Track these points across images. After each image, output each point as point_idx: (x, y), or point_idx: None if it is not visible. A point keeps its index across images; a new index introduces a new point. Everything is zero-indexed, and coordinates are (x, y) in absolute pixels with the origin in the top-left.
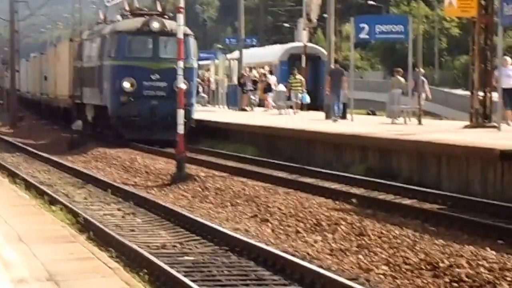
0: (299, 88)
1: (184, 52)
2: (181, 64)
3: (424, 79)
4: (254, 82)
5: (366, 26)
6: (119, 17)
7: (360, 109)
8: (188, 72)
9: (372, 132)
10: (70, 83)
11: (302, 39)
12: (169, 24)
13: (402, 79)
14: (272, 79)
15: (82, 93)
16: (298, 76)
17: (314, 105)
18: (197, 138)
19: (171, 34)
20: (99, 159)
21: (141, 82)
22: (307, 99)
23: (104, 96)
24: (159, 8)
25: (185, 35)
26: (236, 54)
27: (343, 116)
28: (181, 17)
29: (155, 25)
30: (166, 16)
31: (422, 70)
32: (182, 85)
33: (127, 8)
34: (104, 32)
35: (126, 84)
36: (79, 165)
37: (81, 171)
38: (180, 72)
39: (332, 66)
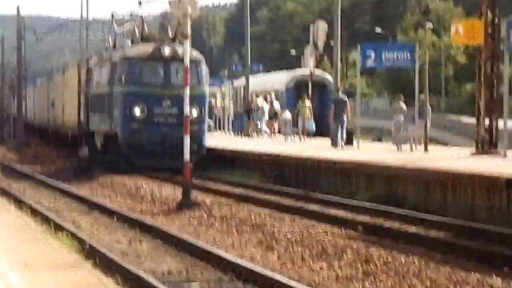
0: (307, 113)
1: (196, 78)
2: (187, 91)
3: (429, 107)
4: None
5: (372, 53)
6: (128, 43)
7: (366, 135)
8: (200, 99)
9: (378, 159)
10: (79, 109)
11: (308, 66)
12: (180, 50)
13: (403, 105)
14: (276, 106)
15: (91, 120)
16: (307, 102)
17: (320, 132)
18: (203, 164)
19: (183, 60)
20: (105, 185)
21: (152, 109)
22: (313, 127)
23: (114, 122)
24: (170, 34)
25: (197, 61)
26: (242, 80)
27: (348, 143)
28: (187, 44)
29: (167, 51)
30: (177, 42)
31: (423, 97)
32: (188, 112)
33: (137, 33)
34: (114, 58)
35: (137, 111)
36: (85, 191)
37: (87, 197)
38: (186, 99)
39: (342, 95)
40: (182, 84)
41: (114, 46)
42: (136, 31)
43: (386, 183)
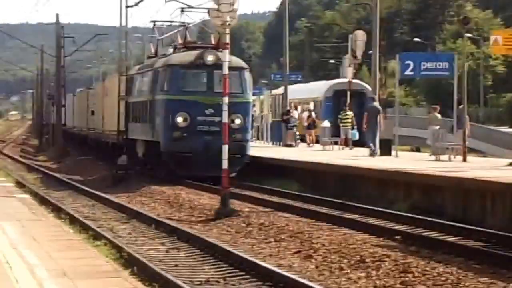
0: (349, 124)
1: (240, 86)
2: (226, 100)
3: (467, 116)
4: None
5: (411, 63)
6: (170, 50)
7: (404, 145)
8: (244, 107)
9: (417, 168)
10: (118, 118)
11: (347, 75)
12: (223, 57)
13: (439, 116)
14: (305, 116)
15: (132, 128)
16: (350, 112)
17: (362, 141)
18: (242, 173)
19: (228, 67)
20: (144, 194)
21: (195, 117)
22: (357, 136)
23: (156, 131)
24: (213, 41)
25: (241, 68)
26: (281, 89)
27: (387, 152)
28: (226, 53)
29: (210, 58)
30: (220, 49)
31: (464, 108)
32: (226, 120)
33: (180, 41)
34: (156, 65)
35: (180, 119)
36: (124, 200)
37: (125, 206)
38: (225, 107)
39: (375, 103)
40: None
41: (156, 53)
42: (179, 38)
43: (425, 193)
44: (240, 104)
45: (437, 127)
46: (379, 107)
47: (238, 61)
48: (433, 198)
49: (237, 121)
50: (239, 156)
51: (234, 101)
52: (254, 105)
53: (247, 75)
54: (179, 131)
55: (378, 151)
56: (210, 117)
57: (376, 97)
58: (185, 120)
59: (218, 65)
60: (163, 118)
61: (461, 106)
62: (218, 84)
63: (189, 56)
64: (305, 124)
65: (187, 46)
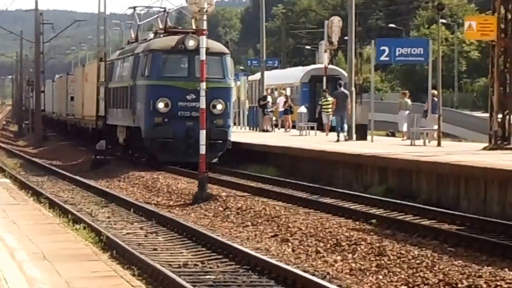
0: (330, 109)
1: (221, 72)
2: (203, 86)
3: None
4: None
5: (386, 49)
6: (151, 36)
7: (380, 130)
8: (225, 92)
9: (392, 153)
10: (97, 103)
11: (323, 61)
12: (206, 42)
13: (409, 101)
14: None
15: (112, 114)
16: (330, 98)
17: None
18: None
19: (207, 52)
20: (122, 178)
21: (176, 103)
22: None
23: (137, 117)
24: (194, 26)
25: (222, 53)
26: (257, 75)
27: (362, 137)
28: (204, 39)
29: (191, 43)
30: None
31: (435, 92)
32: (204, 105)
33: (160, 26)
34: (137, 51)
35: (161, 105)
36: (103, 184)
37: (104, 190)
38: (202, 93)
39: (342, 89)
40: (208, 77)
41: (136, 39)
42: (159, 23)
43: (400, 177)
44: (222, 90)
45: (407, 112)
46: (347, 92)
47: (219, 46)
48: (408, 183)
49: (219, 107)
50: (221, 141)
51: (216, 86)
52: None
53: (228, 60)
54: (160, 116)
55: (346, 135)
56: (192, 103)
57: (343, 83)
58: (166, 105)
59: (199, 50)
60: (144, 103)
61: (434, 91)
62: (200, 69)
63: (170, 41)
64: (282, 109)
65: (167, 31)
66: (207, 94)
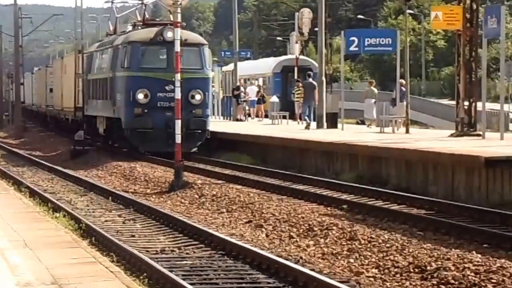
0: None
1: (199, 62)
2: (178, 77)
3: (405, 90)
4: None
5: (355, 39)
6: (130, 28)
7: (350, 118)
8: (204, 83)
9: (362, 140)
10: (75, 95)
11: (294, 52)
12: (184, 34)
13: (375, 90)
14: (253, 90)
15: (92, 105)
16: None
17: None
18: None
19: (186, 43)
20: (100, 168)
21: (155, 94)
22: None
23: (117, 108)
24: (172, 18)
25: (201, 44)
26: (231, 66)
27: (333, 125)
28: (178, 32)
29: (169, 34)
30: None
31: (403, 81)
32: (179, 96)
33: (138, 18)
34: (116, 42)
35: (140, 96)
36: (82, 173)
37: (83, 179)
38: (177, 84)
39: (310, 79)
40: (186, 68)
41: (115, 31)
42: (138, 16)
43: (370, 164)
44: (200, 80)
45: (373, 101)
46: (315, 83)
47: (197, 38)
48: (378, 169)
49: (197, 97)
50: (200, 131)
51: (194, 77)
52: None
53: (207, 51)
54: (140, 107)
55: (312, 123)
56: (171, 93)
57: (312, 73)
58: (145, 96)
59: (179, 41)
60: (124, 94)
61: (402, 80)
62: (180, 60)
63: (148, 33)
64: (254, 99)
65: (146, 23)
66: (186, 84)
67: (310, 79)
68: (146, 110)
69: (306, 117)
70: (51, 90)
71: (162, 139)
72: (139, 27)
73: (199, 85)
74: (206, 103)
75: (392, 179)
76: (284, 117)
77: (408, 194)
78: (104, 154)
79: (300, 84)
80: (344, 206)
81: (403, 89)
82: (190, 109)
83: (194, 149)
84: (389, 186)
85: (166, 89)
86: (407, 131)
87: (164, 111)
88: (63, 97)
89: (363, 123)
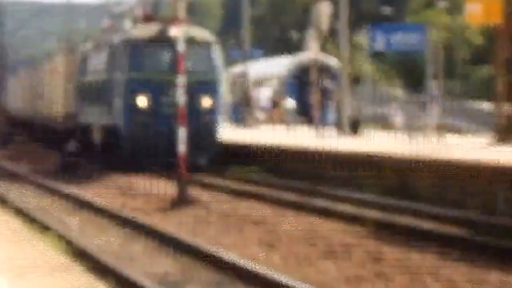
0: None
1: (208, 63)
2: (182, 78)
3: (437, 93)
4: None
5: (381, 36)
6: (128, 24)
7: (374, 124)
8: (213, 86)
9: (389, 149)
10: (70, 100)
11: (312, 50)
12: (191, 31)
13: (399, 92)
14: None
15: (86, 112)
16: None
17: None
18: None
19: (193, 42)
20: (95, 181)
21: (159, 98)
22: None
23: (115, 115)
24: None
25: (209, 43)
26: (240, 67)
27: (355, 132)
28: (181, 29)
29: (175, 31)
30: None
31: (434, 83)
32: (182, 102)
33: (140, 13)
34: (114, 41)
35: (141, 101)
36: (73, 188)
37: (75, 195)
38: (180, 88)
39: (326, 82)
40: (193, 69)
41: (113, 27)
42: (138, 11)
43: (398, 175)
44: (209, 83)
45: (399, 105)
46: (332, 85)
47: (205, 35)
48: (407, 181)
49: (206, 102)
50: (209, 141)
51: (202, 80)
52: None
53: (216, 50)
54: (142, 114)
55: (331, 130)
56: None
57: (328, 75)
58: (147, 101)
59: (185, 39)
60: (123, 100)
61: (433, 82)
62: (185, 61)
63: (151, 29)
64: (266, 103)
65: (147, 19)
66: (193, 88)
67: (326, 81)
68: (147, 117)
69: (322, 123)
70: (39, 94)
71: (166, 149)
72: (140, 23)
73: (208, 89)
74: (216, 109)
75: (424, 192)
76: (301, 123)
77: (441, 210)
78: (98, 166)
79: (316, 87)
80: (369, 224)
81: (434, 92)
82: (198, 116)
83: (204, 162)
84: (419, 201)
85: (171, 94)
86: (439, 138)
87: (168, 118)
88: (53, 103)
89: (388, 129)
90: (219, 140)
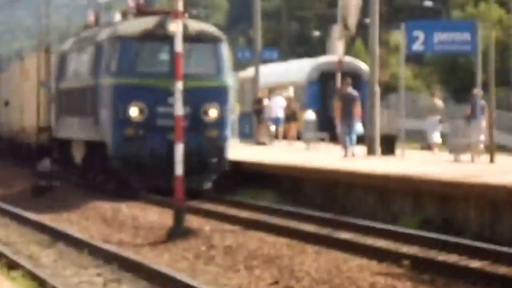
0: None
1: (215, 65)
2: (179, 85)
3: (482, 102)
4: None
5: (421, 34)
6: (118, 17)
7: (413, 142)
8: (221, 93)
9: (429, 173)
10: (45, 110)
11: (336, 52)
12: (194, 26)
13: (439, 103)
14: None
15: (65, 124)
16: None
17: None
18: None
19: (197, 39)
20: (73, 209)
21: (155, 108)
22: (360, 130)
23: (100, 128)
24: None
25: (217, 40)
26: (250, 71)
27: (390, 151)
28: (179, 24)
29: (174, 27)
30: (186, 15)
31: (479, 91)
32: (180, 112)
33: (130, 4)
34: (99, 37)
35: (134, 111)
36: (47, 218)
37: (49, 225)
38: (178, 94)
39: (349, 89)
40: (196, 73)
41: (97, 22)
42: (131, 1)
43: (440, 204)
44: (216, 90)
45: (437, 118)
46: (356, 94)
47: (212, 31)
48: (450, 212)
49: (212, 113)
50: (216, 160)
51: (208, 85)
52: None
53: (225, 49)
54: (134, 127)
55: (354, 149)
56: None
57: (350, 81)
58: (141, 112)
59: (186, 36)
60: (111, 110)
61: (478, 90)
62: (186, 62)
63: (145, 24)
64: (279, 115)
65: (141, 11)
66: (196, 96)
67: (350, 88)
68: (141, 131)
69: (346, 140)
70: (6, 103)
71: (164, 171)
72: (132, 16)
73: (215, 96)
74: (225, 122)
75: (470, 225)
76: (323, 140)
77: (493, 247)
78: (78, 191)
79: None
80: (405, 262)
81: (482, 102)
82: (201, 129)
83: (208, 185)
84: (466, 235)
85: (170, 103)
86: (491, 160)
87: (166, 132)
88: (24, 113)
89: (429, 148)
90: (227, 159)
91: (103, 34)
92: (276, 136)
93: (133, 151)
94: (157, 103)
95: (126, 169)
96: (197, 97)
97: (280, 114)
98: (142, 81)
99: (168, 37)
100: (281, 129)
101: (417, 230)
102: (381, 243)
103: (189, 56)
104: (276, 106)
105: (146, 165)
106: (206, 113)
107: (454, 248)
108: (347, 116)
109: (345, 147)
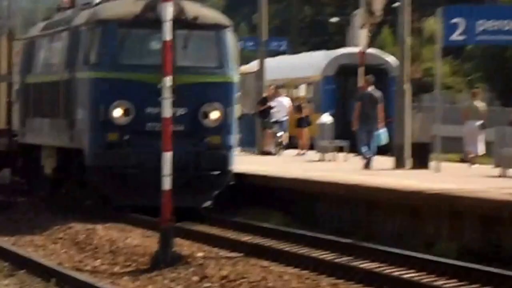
0: None
1: (218, 56)
2: (167, 81)
3: None
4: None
5: (461, 22)
6: None
7: (451, 152)
8: (224, 90)
9: (470, 189)
10: (5, 110)
11: (358, 43)
12: (190, 8)
13: (481, 105)
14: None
15: (33, 127)
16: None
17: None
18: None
19: (195, 25)
20: (38, 230)
21: (143, 109)
22: (383, 139)
23: (76, 132)
24: None
25: (220, 27)
26: (254, 65)
27: (422, 164)
28: (169, 7)
29: (167, 10)
30: None
31: None
32: (168, 114)
33: None
34: (76, 22)
35: (117, 112)
36: (6, 240)
37: (8, 250)
38: (167, 92)
39: (370, 89)
40: (193, 65)
41: (73, 3)
42: None
43: (484, 228)
44: (218, 86)
45: (478, 123)
46: (378, 94)
47: (214, 15)
48: (496, 237)
49: (213, 115)
50: (217, 172)
51: (208, 81)
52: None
53: (229, 38)
54: (117, 131)
55: (377, 158)
56: None
57: (373, 79)
58: (126, 113)
59: (181, 22)
60: (90, 110)
61: None
62: (182, 53)
63: (132, 6)
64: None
65: None
66: (193, 93)
67: (371, 88)
68: (126, 137)
69: (364, 150)
70: None
71: (153, 185)
72: None
73: (217, 94)
74: (228, 125)
75: None
76: (341, 149)
77: None
78: (46, 208)
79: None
80: None
81: None
82: (201, 135)
83: (208, 203)
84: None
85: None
86: None
87: (155, 138)
88: None
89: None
90: (231, 171)
91: (81, 18)
92: (280, 143)
93: (116, 160)
94: (146, 102)
95: (106, 183)
96: (195, 96)
97: (284, 117)
98: (127, 75)
99: (160, 22)
100: (285, 135)
101: (455, 259)
102: (411, 274)
103: (186, 46)
104: (281, 108)
105: (132, 177)
106: (206, 115)
107: (501, 282)
108: (367, 121)
109: (365, 158)
